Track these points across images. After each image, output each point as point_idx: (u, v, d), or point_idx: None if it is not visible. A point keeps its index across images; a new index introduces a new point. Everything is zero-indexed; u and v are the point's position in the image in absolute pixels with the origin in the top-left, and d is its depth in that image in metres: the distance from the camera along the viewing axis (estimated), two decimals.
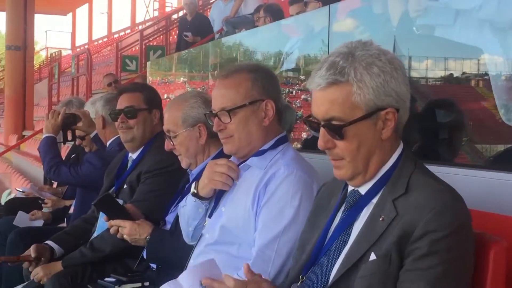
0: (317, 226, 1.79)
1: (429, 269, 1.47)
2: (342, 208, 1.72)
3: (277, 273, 2.02)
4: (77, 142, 4.17)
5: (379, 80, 1.58)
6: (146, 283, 2.72)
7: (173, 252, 2.58)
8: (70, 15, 34.21)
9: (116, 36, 26.75)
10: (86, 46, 26.49)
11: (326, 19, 3.75)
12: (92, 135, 4.01)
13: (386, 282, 1.52)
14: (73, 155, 4.70)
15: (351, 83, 1.58)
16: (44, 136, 3.98)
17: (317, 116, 1.63)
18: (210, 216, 2.28)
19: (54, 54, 24.12)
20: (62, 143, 4.40)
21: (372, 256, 1.54)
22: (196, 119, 2.65)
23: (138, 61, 11.77)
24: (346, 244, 1.64)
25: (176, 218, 2.60)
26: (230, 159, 2.29)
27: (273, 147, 2.21)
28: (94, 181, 3.65)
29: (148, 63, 9.00)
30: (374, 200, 1.63)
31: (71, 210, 4.13)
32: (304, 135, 4.05)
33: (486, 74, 2.59)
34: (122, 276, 2.76)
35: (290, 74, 4.45)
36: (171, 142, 2.69)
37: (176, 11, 18.81)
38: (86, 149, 4.12)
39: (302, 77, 4.23)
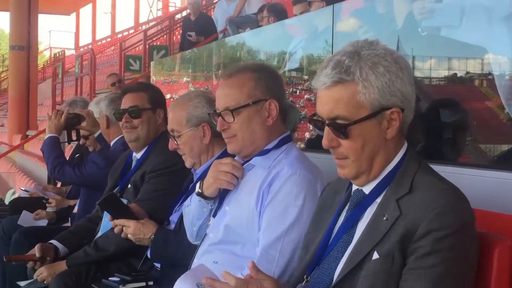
0: (321, 226, 1.79)
1: (432, 267, 1.47)
2: (346, 207, 1.73)
3: (281, 272, 2.02)
4: (81, 141, 4.17)
5: (384, 80, 1.58)
6: (150, 283, 2.72)
7: (177, 252, 2.58)
8: (73, 15, 34.30)
9: (119, 36, 26.79)
10: (90, 46, 26.57)
11: (330, 19, 3.74)
12: (96, 134, 4.02)
13: (389, 281, 1.52)
14: (77, 155, 4.71)
15: (356, 82, 1.58)
16: (47, 136, 3.98)
17: (322, 115, 1.63)
18: (214, 216, 2.29)
19: (57, 54, 24.21)
20: (66, 143, 4.41)
21: (375, 255, 1.54)
22: (200, 118, 2.65)
23: (142, 61, 11.75)
24: (350, 244, 1.64)
25: (180, 218, 2.60)
26: (234, 158, 2.29)
27: (277, 146, 2.21)
28: (98, 181, 3.65)
29: (152, 63, 8.99)
30: (378, 200, 1.63)
31: (75, 210, 4.13)
32: (307, 135, 4.05)
33: (490, 73, 2.59)
34: (126, 276, 2.76)
35: (294, 74, 4.44)
36: (175, 142, 2.69)
37: (180, 11, 18.83)
38: (90, 149, 4.12)
39: (306, 77, 4.23)
